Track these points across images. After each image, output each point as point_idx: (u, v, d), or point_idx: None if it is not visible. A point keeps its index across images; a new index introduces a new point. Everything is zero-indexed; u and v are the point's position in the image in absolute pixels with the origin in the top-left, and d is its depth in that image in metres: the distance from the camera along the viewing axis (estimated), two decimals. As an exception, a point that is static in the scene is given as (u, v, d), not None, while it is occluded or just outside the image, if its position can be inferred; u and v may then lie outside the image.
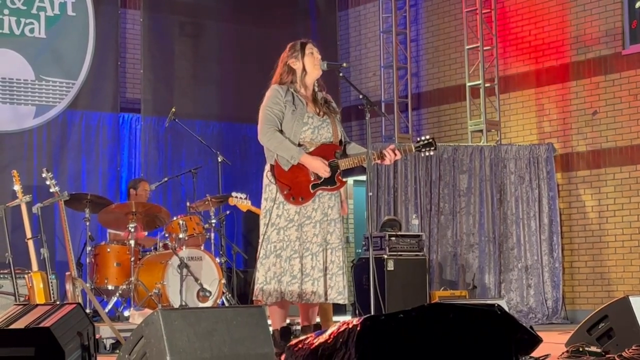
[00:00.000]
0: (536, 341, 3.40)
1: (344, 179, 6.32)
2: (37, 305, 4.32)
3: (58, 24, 12.18)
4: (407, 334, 3.07)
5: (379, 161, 6.28)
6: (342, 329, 3.16)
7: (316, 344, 3.39)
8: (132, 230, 9.49)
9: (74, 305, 4.25)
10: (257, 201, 13.21)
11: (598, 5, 12.14)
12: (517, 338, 3.29)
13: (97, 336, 4.66)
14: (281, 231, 6.16)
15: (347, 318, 10.54)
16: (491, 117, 13.02)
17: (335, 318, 10.18)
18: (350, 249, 14.03)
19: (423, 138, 6.41)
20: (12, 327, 4.17)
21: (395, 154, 6.26)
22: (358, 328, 3.04)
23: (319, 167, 6.16)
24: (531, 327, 3.47)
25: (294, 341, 3.86)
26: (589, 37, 12.23)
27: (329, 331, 3.29)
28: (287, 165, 6.17)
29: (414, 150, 6.38)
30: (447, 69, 13.80)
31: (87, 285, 8.16)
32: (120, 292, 9.53)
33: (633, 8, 12.01)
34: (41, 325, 3.97)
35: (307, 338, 3.67)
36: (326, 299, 6.18)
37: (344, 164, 6.24)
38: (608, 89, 11.99)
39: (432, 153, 6.41)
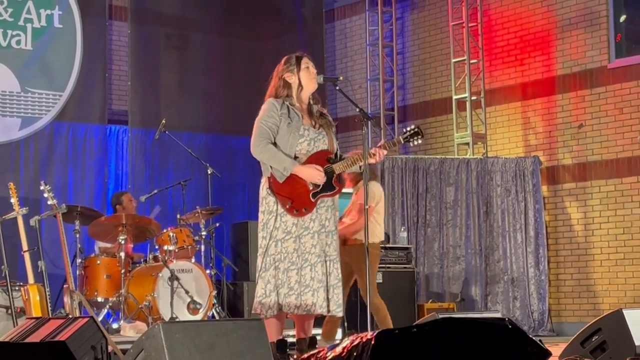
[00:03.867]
0: (545, 355, 3.43)
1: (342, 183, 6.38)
2: (50, 318, 4.32)
3: (45, 36, 12.15)
4: (420, 347, 3.09)
5: (372, 160, 6.33)
6: (355, 342, 3.17)
7: (329, 357, 3.40)
8: (123, 242, 9.48)
9: (87, 319, 4.26)
10: (246, 212, 13.27)
11: (584, 19, 12.23)
12: (526, 351, 3.32)
13: (110, 349, 4.65)
14: (279, 243, 6.17)
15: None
16: (477, 130, 13.08)
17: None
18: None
19: (409, 128, 6.49)
20: (27, 340, 4.17)
21: (380, 150, 6.33)
22: (372, 342, 3.06)
23: (313, 175, 6.18)
24: (540, 340, 3.50)
25: (305, 355, 3.86)
26: (574, 50, 12.31)
27: (342, 345, 3.31)
28: (282, 177, 6.19)
29: (402, 141, 6.46)
30: (434, 81, 13.85)
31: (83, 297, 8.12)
32: (110, 304, 9.52)
33: (618, 22, 12.10)
34: (56, 339, 3.98)
35: (320, 352, 3.67)
36: (329, 310, 6.20)
37: (338, 167, 6.28)
38: (594, 102, 12.06)
39: (420, 141, 6.46)
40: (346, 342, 3.28)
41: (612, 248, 11.84)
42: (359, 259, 7.98)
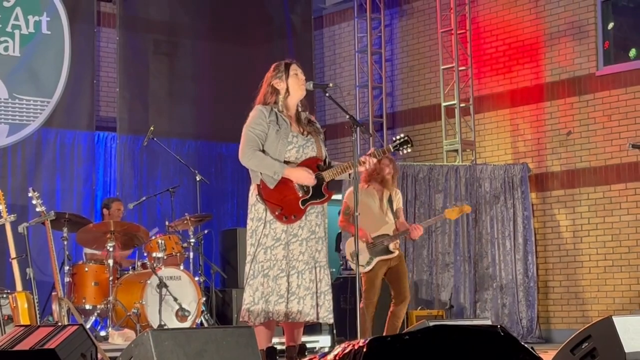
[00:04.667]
0: (537, 362, 3.42)
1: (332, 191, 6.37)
2: (39, 326, 4.30)
3: (33, 42, 12.11)
4: (412, 355, 3.07)
5: (362, 168, 6.32)
6: (347, 350, 3.16)
7: (321, 365, 3.38)
8: (111, 249, 9.44)
9: (77, 327, 4.24)
10: (235, 219, 13.23)
11: (572, 27, 12.26)
12: (519, 359, 3.31)
13: (99, 357, 4.62)
14: (268, 250, 6.15)
15: (323, 337, 10.55)
16: (466, 137, 13.09)
17: (311, 338, 10.17)
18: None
19: (398, 137, 6.50)
20: (16, 348, 4.14)
21: (370, 158, 6.32)
22: (364, 349, 3.04)
23: (303, 177, 6.17)
24: (532, 347, 3.49)
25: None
26: (563, 58, 12.34)
27: (334, 352, 3.29)
28: (273, 182, 6.17)
29: (392, 149, 6.47)
30: (422, 88, 13.86)
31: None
32: (98, 311, 9.48)
33: (606, 29, 12.13)
34: (46, 346, 3.95)
35: (311, 360, 3.65)
36: (317, 317, 6.19)
37: (328, 175, 6.28)
38: (582, 109, 12.09)
39: (409, 150, 6.47)
40: (337, 349, 3.26)
41: (601, 255, 11.85)
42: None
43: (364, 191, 8.78)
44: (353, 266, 8.94)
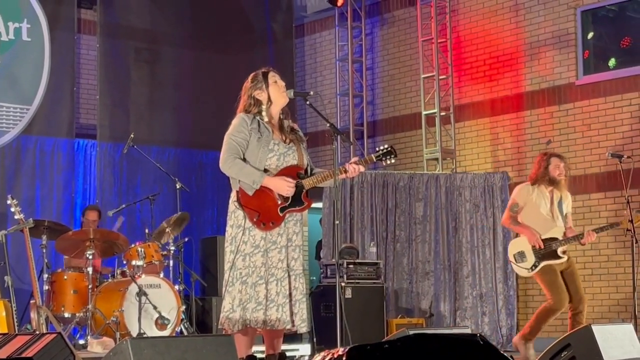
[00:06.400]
0: (516, 371, 3.42)
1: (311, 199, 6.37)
2: (17, 334, 4.28)
3: (13, 49, 12.08)
4: (392, 363, 3.08)
5: (343, 176, 6.30)
6: (326, 358, 3.16)
7: (300, 374, 3.37)
8: (90, 257, 9.41)
9: (55, 335, 4.22)
10: (215, 227, 13.21)
11: (552, 36, 12.31)
12: (498, 367, 3.31)
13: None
14: (247, 257, 6.14)
15: (303, 346, 10.55)
16: (446, 146, 13.12)
17: (291, 346, 10.17)
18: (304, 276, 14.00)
19: (382, 147, 6.49)
20: (-7, 357, 4.13)
21: (357, 167, 6.29)
22: (344, 358, 3.04)
23: (282, 186, 6.16)
24: (512, 356, 3.49)
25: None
26: (543, 67, 12.38)
27: (313, 361, 3.29)
28: (251, 190, 6.16)
29: (375, 160, 6.45)
30: (403, 97, 13.89)
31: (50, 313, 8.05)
32: (77, 319, 9.46)
33: (586, 39, 12.18)
34: (23, 355, 3.94)
35: (290, 368, 3.65)
36: (293, 325, 6.18)
37: (308, 183, 6.27)
38: (562, 118, 12.13)
39: (393, 160, 6.47)
40: (317, 357, 3.27)
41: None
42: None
43: (535, 190, 8.71)
44: (516, 268, 8.78)
